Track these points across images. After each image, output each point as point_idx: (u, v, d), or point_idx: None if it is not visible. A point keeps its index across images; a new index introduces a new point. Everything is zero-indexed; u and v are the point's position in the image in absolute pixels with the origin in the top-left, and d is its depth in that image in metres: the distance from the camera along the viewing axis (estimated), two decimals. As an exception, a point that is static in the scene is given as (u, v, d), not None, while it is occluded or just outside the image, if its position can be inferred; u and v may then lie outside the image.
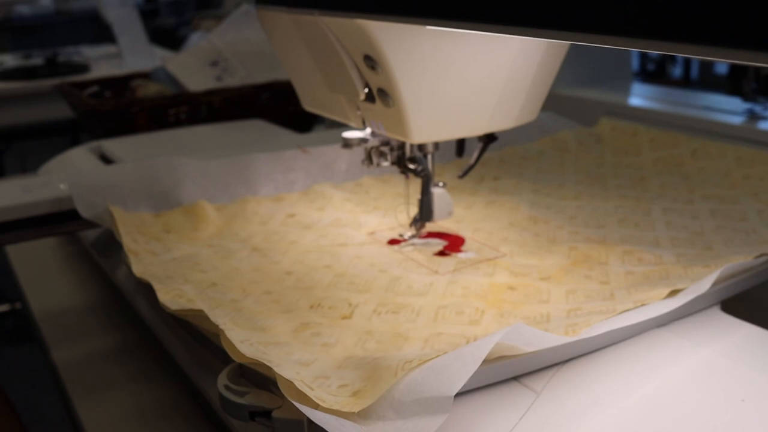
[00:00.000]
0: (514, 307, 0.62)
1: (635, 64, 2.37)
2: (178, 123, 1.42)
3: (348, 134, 0.73)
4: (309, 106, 0.78)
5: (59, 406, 0.65)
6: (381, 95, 0.63)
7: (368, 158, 0.73)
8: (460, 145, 0.76)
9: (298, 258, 0.74)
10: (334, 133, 0.76)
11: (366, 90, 0.66)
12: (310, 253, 0.75)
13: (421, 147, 0.72)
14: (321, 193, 0.89)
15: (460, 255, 0.74)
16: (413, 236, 0.76)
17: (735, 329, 0.61)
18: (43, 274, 0.94)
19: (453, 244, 0.76)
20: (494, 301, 0.63)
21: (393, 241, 0.77)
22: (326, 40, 0.64)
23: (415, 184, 0.76)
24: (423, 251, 0.75)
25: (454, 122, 0.65)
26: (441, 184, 0.75)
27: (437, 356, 0.48)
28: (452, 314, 0.61)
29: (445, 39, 0.60)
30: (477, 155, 0.75)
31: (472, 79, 0.63)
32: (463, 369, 0.46)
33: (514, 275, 0.68)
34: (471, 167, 0.76)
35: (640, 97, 1.45)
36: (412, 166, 0.73)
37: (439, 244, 0.76)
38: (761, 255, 0.66)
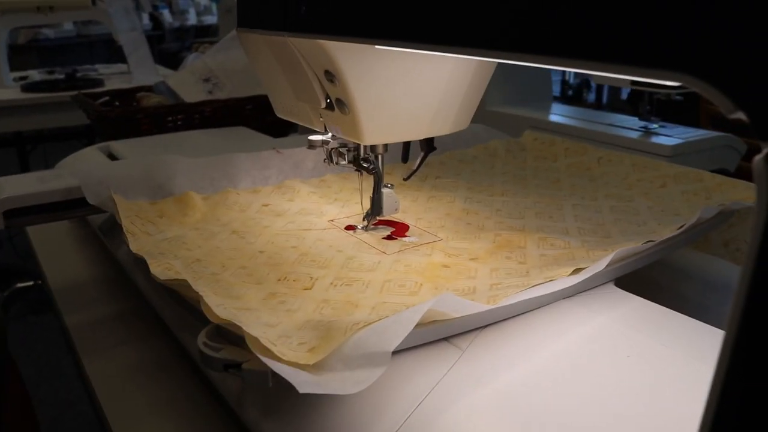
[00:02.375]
0: (447, 282, 0.62)
1: (557, 89, 2.39)
2: (175, 128, 1.40)
3: (313, 137, 0.72)
4: (280, 113, 0.77)
5: (74, 364, 0.65)
6: (339, 104, 0.63)
7: (329, 157, 0.73)
8: (406, 152, 0.77)
9: (269, 239, 0.73)
10: (304, 137, 0.76)
11: (327, 100, 0.65)
12: (280, 235, 0.74)
13: (373, 148, 0.72)
14: (291, 186, 0.88)
15: (405, 239, 0.74)
16: (365, 227, 0.76)
17: (626, 301, 0.61)
18: (58, 252, 0.93)
19: (399, 230, 0.76)
20: (431, 277, 0.63)
21: (349, 227, 0.77)
22: (293, 57, 0.64)
23: (369, 180, 0.76)
24: (374, 236, 0.75)
25: (400, 127, 0.65)
26: (389, 185, 0.75)
27: (380, 319, 0.48)
28: (395, 287, 0.61)
29: (392, 56, 0.60)
30: (419, 161, 0.76)
31: (415, 91, 0.63)
32: (401, 329, 0.46)
33: (448, 256, 0.68)
34: (414, 171, 0.77)
35: (558, 115, 1.47)
36: (365, 165, 0.73)
37: (387, 230, 0.76)
38: (648, 241, 0.66)
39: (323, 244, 0.72)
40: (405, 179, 0.79)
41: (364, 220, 0.77)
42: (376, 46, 0.48)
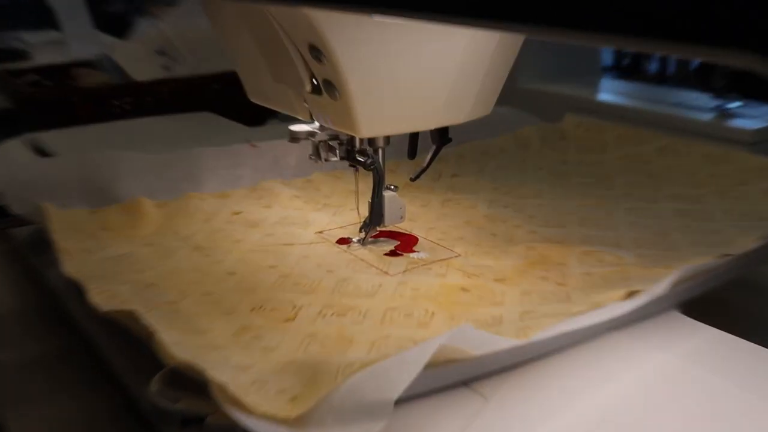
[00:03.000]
0: (466, 310, 0.63)
1: (609, 59, 2.39)
2: (122, 115, 1.41)
3: (296, 128, 0.73)
4: (255, 97, 0.78)
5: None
6: (327, 87, 0.64)
7: (316, 153, 0.74)
8: (413, 145, 0.77)
9: (241, 257, 0.74)
10: (285, 127, 0.76)
11: (312, 81, 0.66)
12: (255, 252, 0.75)
13: (371, 141, 0.73)
14: (269, 189, 0.89)
15: (412, 255, 0.74)
16: (362, 240, 0.77)
17: (695, 333, 0.61)
18: (-30, 274, 0.93)
19: (405, 243, 0.77)
20: (445, 303, 0.64)
21: (342, 241, 0.78)
22: (271, 29, 0.64)
23: (367, 181, 0.77)
24: (373, 251, 0.75)
25: (403, 116, 0.66)
26: (393, 187, 0.76)
27: (381, 359, 0.48)
28: (401, 316, 0.62)
29: (393, 29, 0.61)
30: (430, 156, 0.76)
31: (422, 71, 0.64)
32: (406, 372, 0.47)
33: (467, 276, 0.69)
34: (424, 170, 0.77)
35: (609, 92, 1.47)
36: (362, 161, 0.73)
37: (390, 244, 0.77)
38: (724, 255, 0.67)
39: (309, 263, 0.73)
40: (412, 179, 0.79)
41: (360, 231, 0.78)
42: (373, 17, 0.49)
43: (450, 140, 0.74)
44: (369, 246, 0.77)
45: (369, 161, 0.73)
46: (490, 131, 1.08)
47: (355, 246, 0.77)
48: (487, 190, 0.91)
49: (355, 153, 0.74)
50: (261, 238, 0.79)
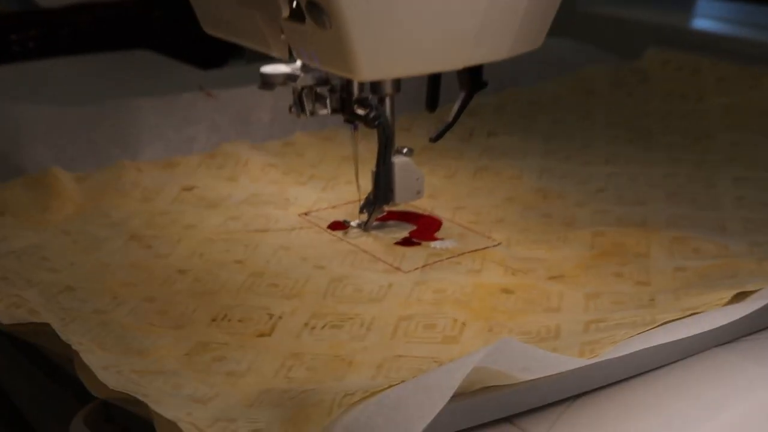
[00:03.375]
0: (509, 318, 0.63)
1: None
2: (25, 54, 1.40)
3: (269, 69, 0.73)
4: (211, 28, 0.77)
5: None
6: (312, 11, 0.62)
7: (299, 103, 0.74)
8: (433, 94, 0.77)
9: (196, 249, 0.74)
10: (255, 69, 0.76)
11: (292, 3, 0.65)
12: (215, 242, 0.75)
13: (375, 87, 0.73)
14: (233, 155, 0.90)
15: (434, 244, 0.75)
16: (363, 225, 0.78)
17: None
18: None
19: (424, 228, 0.77)
20: (481, 310, 0.64)
21: (336, 225, 0.78)
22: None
23: (370, 141, 0.77)
24: (379, 239, 0.76)
25: (419, 50, 0.65)
26: (405, 150, 0.76)
27: (390, 386, 0.49)
28: (419, 329, 0.62)
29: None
30: (458, 109, 0.76)
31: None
32: (427, 404, 0.47)
33: (511, 273, 0.69)
34: (449, 127, 0.78)
35: (707, 17, 1.46)
36: (360, 112, 0.73)
37: (403, 229, 0.77)
38: None
39: (291, 256, 0.73)
40: (433, 139, 0.79)
41: (362, 212, 0.78)
42: None
43: (486, 85, 0.75)
44: (374, 232, 0.77)
45: (372, 115, 0.74)
46: (541, 72, 1.08)
47: (354, 232, 0.77)
48: (537, 153, 0.91)
49: (353, 104, 0.74)
50: (223, 222, 0.79)
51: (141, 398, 0.50)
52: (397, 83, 0.73)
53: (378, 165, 0.75)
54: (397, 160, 0.76)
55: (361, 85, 0.73)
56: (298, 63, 0.73)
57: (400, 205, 0.78)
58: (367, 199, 0.77)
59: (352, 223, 0.78)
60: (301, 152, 0.93)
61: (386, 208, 0.78)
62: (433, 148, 0.90)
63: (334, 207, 0.82)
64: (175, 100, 0.94)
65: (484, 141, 0.95)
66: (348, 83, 0.73)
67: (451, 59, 0.68)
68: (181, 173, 0.86)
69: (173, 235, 0.76)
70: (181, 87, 1.02)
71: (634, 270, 0.69)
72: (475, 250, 0.73)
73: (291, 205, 0.82)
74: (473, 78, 0.74)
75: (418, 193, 0.77)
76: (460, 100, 0.76)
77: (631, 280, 0.68)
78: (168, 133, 0.91)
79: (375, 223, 0.77)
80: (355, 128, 0.76)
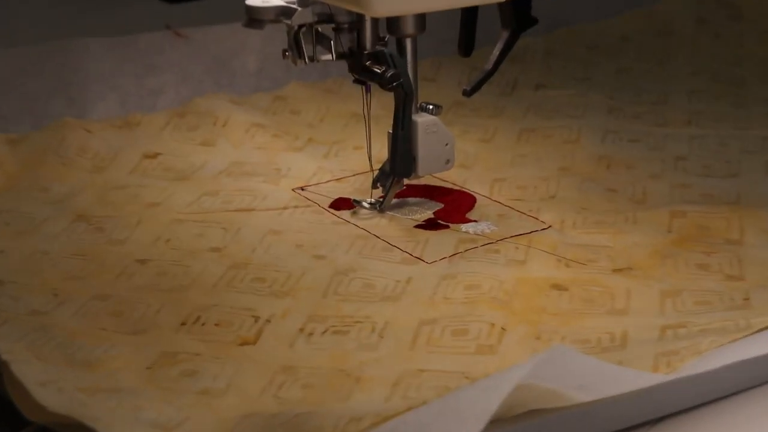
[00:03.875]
0: (562, 323, 0.62)
1: None
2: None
3: (254, 1, 0.73)
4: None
5: None
6: None
7: (294, 47, 0.73)
8: (468, 32, 0.76)
9: (160, 233, 0.74)
10: (235, 2, 0.74)
11: None
12: (185, 224, 0.75)
13: (393, 26, 0.72)
14: (208, 112, 0.90)
15: (466, 227, 0.74)
16: (376, 204, 0.77)
17: None
18: None
19: (453, 206, 0.77)
20: (525, 312, 0.63)
21: (340, 203, 0.78)
22: None
23: (385, 98, 0.76)
24: (396, 221, 0.75)
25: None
26: (431, 107, 0.75)
27: (409, 410, 0.48)
28: (446, 335, 0.61)
29: None
30: (498, 53, 0.76)
31: None
32: (460, 431, 0.46)
33: (564, 265, 0.68)
34: (487, 76, 0.77)
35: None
36: (376, 69, 0.72)
37: (426, 209, 0.76)
38: None
39: (282, 243, 0.73)
40: (467, 92, 0.78)
41: (375, 186, 0.78)
42: None
43: (535, 22, 0.73)
44: (390, 213, 0.76)
45: (390, 74, 0.72)
46: (603, 6, 1.08)
47: (365, 212, 0.76)
48: (598, 110, 0.90)
49: (365, 59, 0.73)
50: (196, 199, 0.78)
51: (89, 423, 0.49)
52: (421, 21, 0.72)
53: (395, 126, 0.74)
54: (421, 120, 0.74)
55: (375, 22, 0.72)
56: (295, -6, 0.72)
57: (423, 177, 0.76)
58: (381, 170, 0.76)
59: (364, 203, 0.76)
60: (297, 109, 0.91)
61: (406, 183, 0.76)
62: (466, 104, 0.89)
63: (338, 180, 0.81)
64: (133, 41, 0.93)
65: (531, 95, 0.94)
66: (358, 20, 0.72)
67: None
68: (142, 136, 0.85)
69: (131, 215, 0.75)
70: (142, 24, 1.01)
71: (724, 261, 0.67)
72: (519, 235, 0.72)
73: (283, 178, 0.81)
74: (519, 13, 0.73)
75: (447, 162, 0.75)
76: (501, 41, 0.75)
77: (719, 273, 0.66)
78: (125, 84, 0.90)
79: (391, 203, 0.76)
80: (368, 90, 0.75)
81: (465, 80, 0.78)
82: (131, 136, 0.86)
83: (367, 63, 0.72)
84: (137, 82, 0.91)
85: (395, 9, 0.65)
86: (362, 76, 0.73)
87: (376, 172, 0.77)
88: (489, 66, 0.76)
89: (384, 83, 0.72)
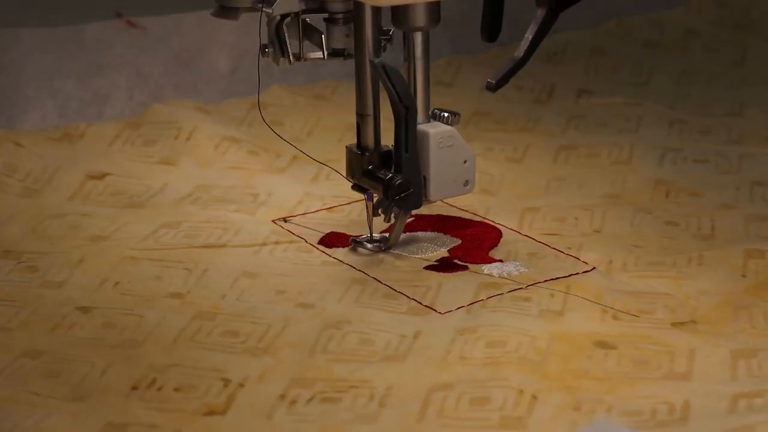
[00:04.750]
0: (608, 390, 0.62)
1: None
2: None
3: None
4: None
5: None
6: None
7: (276, 42, 0.75)
8: (493, 11, 0.77)
9: (108, 274, 0.74)
10: None
11: None
12: (138, 263, 0.75)
13: (399, 18, 0.73)
14: (169, 123, 0.90)
15: (489, 268, 0.74)
16: (379, 244, 0.78)
17: None
18: None
19: (473, 242, 0.77)
20: (562, 376, 0.64)
21: (332, 238, 0.79)
22: None
23: (386, 105, 0.76)
24: (402, 260, 0.76)
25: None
26: (446, 114, 0.76)
27: None
28: (462, 404, 0.61)
29: None
30: (531, 39, 0.76)
31: None
32: None
33: (611, 316, 0.69)
34: (518, 66, 0.77)
35: None
36: (380, 175, 0.74)
37: (440, 244, 0.77)
38: None
39: (260, 288, 0.73)
40: (492, 86, 0.78)
41: (378, 212, 0.77)
42: None
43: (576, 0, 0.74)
44: (395, 251, 0.77)
45: (395, 182, 0.73)
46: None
47: (364, 250, 0.77)
48: (656, 123, 0.91)
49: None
50: (152, 232, 0.79)
51: None
52: (435, 11, 0.73)
53: (397, 149, 0.74)
54: (434, 131, 0.75)
55: (377, 12, 0.73)
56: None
57: (434, 202, 0.77)
58: (384, 194, 0.75)
59: (365, 242, 0.77)
60: (279, 119, 0.92)
61: (412, 212, 0.77)
62: (491, 115, 0.90)
63: (330, 209, 0.82)
64: (76, 32, 0.93)
65: (572, 103, 0.95)
66: (356, 9, 0.73)
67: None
68: (86, 151, 0.86)
69: (72, 251, 0.76)
70: (86, 11, 1.00)
71: None
72: (555, 279, 0.73)
73: (261, 206, 0.82)
74: None
75: (467, 184, 0.76)
76: (535, 23, 0.75)
77: None
78: (65, 86, 0.90)
79: (397, 241, 0.77)
80: (369, 199, 0.76)
81: (488, 71, 0.77)
82: (72, 151, 0.87)
83: (369, 167, 0.74)
84: (80, 84, 0.91)
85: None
86: (363, 182, 0.75)
87: (374, 199, 0.77)
88: (519, 54, 0.76)
89: (390, 193, 0.73)
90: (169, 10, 0.99)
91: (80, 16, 0.97)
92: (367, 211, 0.77)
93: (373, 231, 0.78)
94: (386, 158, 0.73)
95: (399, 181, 0.72)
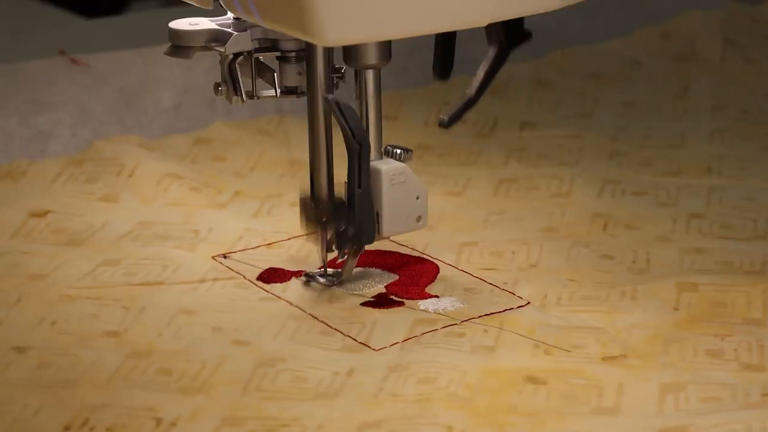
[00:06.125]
0: (537, 425, 0.63)
1: None
2: None
3: (181, 24, 0.74)
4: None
5: None
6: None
7: (229, 82, 0.75)
8: (446, 55, 0.77)
9: (45, 314, 0.74)
10: (159, 18, 0.75)
11: None
12: (76, 301, 0.75)
13: (351, 56, 0.73)
14: (112, 159, 0.90)
15: (425, 304, 0.75)
16: (332, 277, 0.78)
17: None
18: None
19: (409, 278, 0.78)
20: (490, 411, 0.64)
21: (271, 274, 0.79)
22: None
23: (339, 139, 0.76)
24: (339, 297, 0.76)
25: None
26: (398, 151, 0.76)
27: None
28: None
29: None
30: (483, 76, 0.77)
31: None
32: None
33: (543, 351, 0.69)
34: (470, 103, 0.78)
35: None
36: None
37: (377, 281, 0.78)
38: None
39: (196, 326, 0.73)
40: (445, 123, 0.78)
41: (334, 249, 0.78)
42: None
43: (529, 36, 0.74)
44: (331, 287, 0.77)
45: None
46: (608, 25, 1.10)
47: (317, 284, 0.78)
48: (597, 155, 0.92)
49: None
50: (91, 270, 0.79)
51: None
52: (386, 49, 0.74)
53: (350, 184, 0.75)
54: (386, 168, 0.75)
55: (329, 51, 0.74)
56: (230, 16, 0.74)
57: (386, 238, 0.78)
58: (340, 230, 0.76)
59: (317, 276, 0.78)
60: (222, 155, 0.93)
61: (363, 247, 0.77)
62: (433, 149, 0.91)
63: (269, 245, 0.82)
64: (17, 69, 0.94)
65: (515, 135, 0.96)
66: (308, 48, 0.73)
67: (466, 15, 0.68)
68: (28, 189, 0.86)
69: (10, 290, 0.76)
70: (33, 47, 1.02)
71: (741, 346, 0.69)
72: (489, 314, 0.73)
73: (201, 242, 0.82)
74: (509, 24, 0.74)
75: (419, 220, 0.77)
76: (487, 60, 0.76)
77: (735, 362, 0.67)
78: (8, 125, 0.91)
79: (346, 276, 0.77)
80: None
81: (432, 118, 0.78)
82: (14, 189, 0.87)
83: (323, 220, 0.74)
84: (22, 121, 0.91)
85: (351, 36, 0.66)
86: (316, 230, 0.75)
87: (326, 234, 0.77)
88: (471, 91, 0.76)
89: (343, 248, 0.75)
90: (113, 46, 0.99)
91: (22, 54, 0.98)
92: (321, 245, 0.77)
93: (325, 264, 0.78)
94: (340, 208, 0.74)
95: (352, 233, 0.73)
